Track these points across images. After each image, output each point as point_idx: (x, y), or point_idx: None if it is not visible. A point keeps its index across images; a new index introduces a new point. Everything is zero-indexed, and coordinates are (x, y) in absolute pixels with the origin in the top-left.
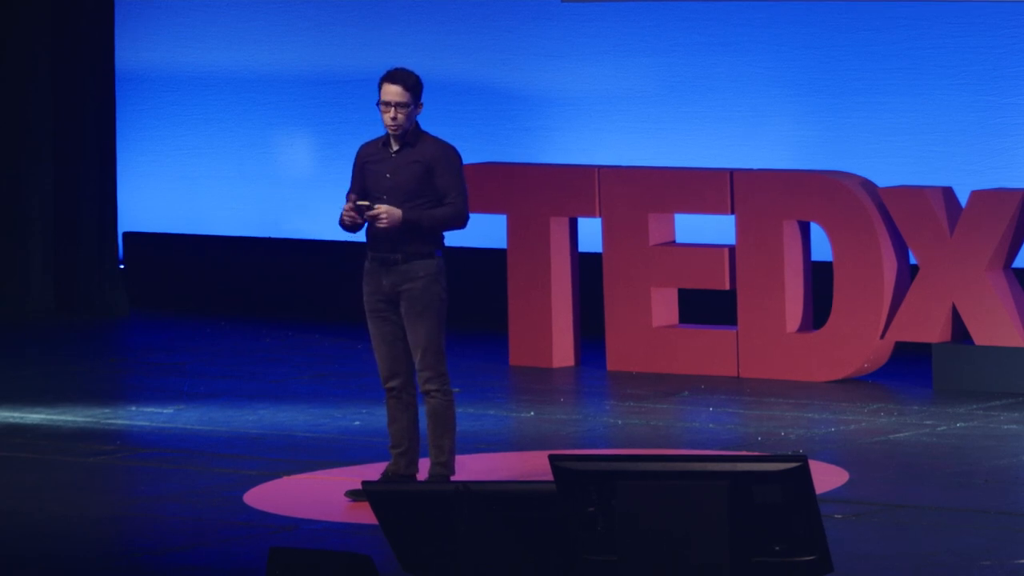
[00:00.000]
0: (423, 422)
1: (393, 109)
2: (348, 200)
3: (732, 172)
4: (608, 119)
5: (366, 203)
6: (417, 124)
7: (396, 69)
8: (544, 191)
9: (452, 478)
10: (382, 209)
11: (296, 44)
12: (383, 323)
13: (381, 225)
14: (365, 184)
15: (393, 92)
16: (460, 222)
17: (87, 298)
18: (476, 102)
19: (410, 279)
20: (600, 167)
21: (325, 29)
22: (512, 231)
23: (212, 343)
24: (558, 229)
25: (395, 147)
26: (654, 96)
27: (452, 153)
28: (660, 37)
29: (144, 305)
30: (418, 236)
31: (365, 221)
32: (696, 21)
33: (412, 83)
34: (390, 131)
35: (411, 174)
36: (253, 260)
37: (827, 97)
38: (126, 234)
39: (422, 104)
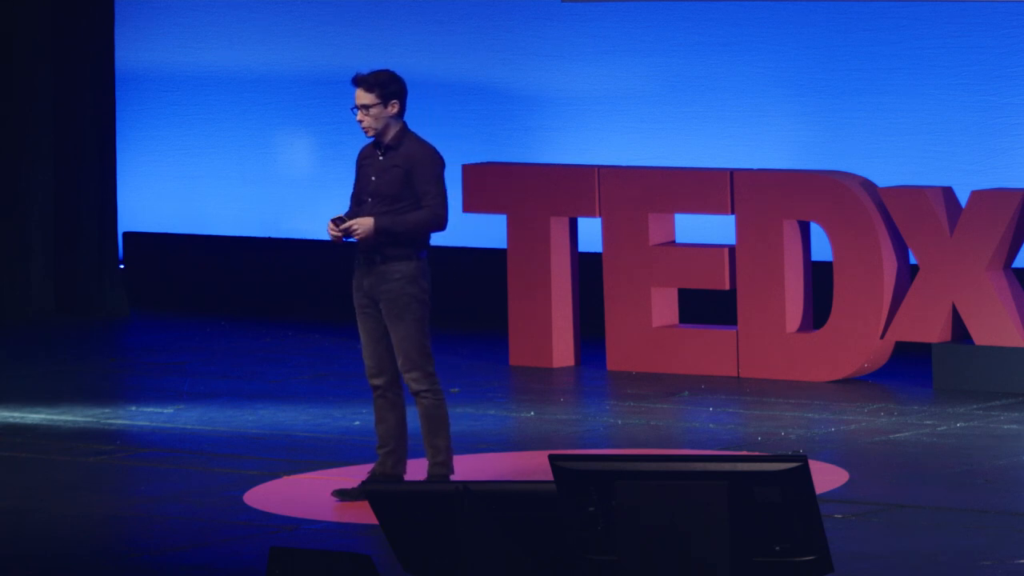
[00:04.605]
0: (413, 423)
1: (360, 111)
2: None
3: (732, 172)
4: (608, 119)
5: (340, 216)
6: (404, 125)
7: (364, 71)
8: (544, 191)
9: (452, 478)
10: (353, 223)
11: (296, 44)
12: (367, 319)
13: (357, 237)
14: (357, 186)
15: (356, 95)
16: (437, 225)
17: (87, 298)
18: (476, 102)
19: (386, 280)
20: (600, 167)
21: (325, 29)
22: (512, 231)
23: (212, 343)
24: (558, 229)
25: (381, 150)
26: (654, 96)
27: (430, 155)
28: (660, 37)
29: (144, 305)
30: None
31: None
32: (696, 21)
33: (373, 82)
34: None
35: (392, 177)
36: (253, 260)
37: (827, 97)
38: (126, 234)
39: (397, 103)
